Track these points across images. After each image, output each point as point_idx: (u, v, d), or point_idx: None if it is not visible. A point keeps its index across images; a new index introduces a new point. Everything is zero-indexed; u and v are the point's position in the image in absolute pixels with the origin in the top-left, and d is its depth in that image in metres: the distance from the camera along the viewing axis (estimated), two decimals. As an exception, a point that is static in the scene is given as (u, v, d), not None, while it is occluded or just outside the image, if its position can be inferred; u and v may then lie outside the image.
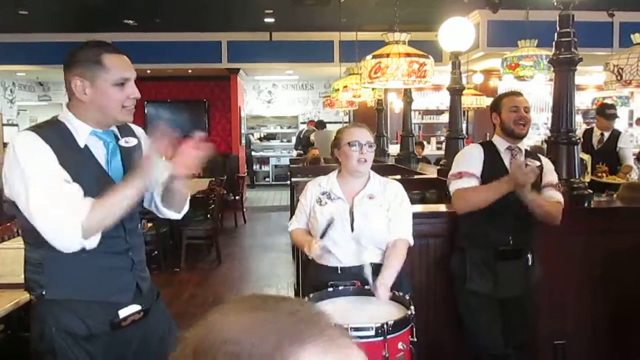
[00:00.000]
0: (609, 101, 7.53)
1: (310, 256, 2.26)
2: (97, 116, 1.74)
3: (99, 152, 1.77)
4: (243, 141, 11.77)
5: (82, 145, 1.73)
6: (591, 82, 10.25)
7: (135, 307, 1.80)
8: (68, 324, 1.69)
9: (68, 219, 1.58)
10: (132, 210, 1.81)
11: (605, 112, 5.48)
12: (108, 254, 1.76)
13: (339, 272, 2.32)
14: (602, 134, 5.44)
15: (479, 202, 2.57)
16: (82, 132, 1.74)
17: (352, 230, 2.32)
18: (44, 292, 1.71)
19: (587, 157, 5.16)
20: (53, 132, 1.70)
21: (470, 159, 2.70)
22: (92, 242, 1.65)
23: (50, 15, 8.20)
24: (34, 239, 1.68)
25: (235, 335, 0.50)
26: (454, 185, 2.66)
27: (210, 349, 0.51)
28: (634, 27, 3.97)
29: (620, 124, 10.98)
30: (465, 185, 2.62)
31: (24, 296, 2.68)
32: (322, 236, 2.25)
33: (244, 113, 12.18)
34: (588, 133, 5.58)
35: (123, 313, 1.77)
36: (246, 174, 11.65)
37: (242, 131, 11.67)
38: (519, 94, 2.78)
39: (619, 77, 3.60)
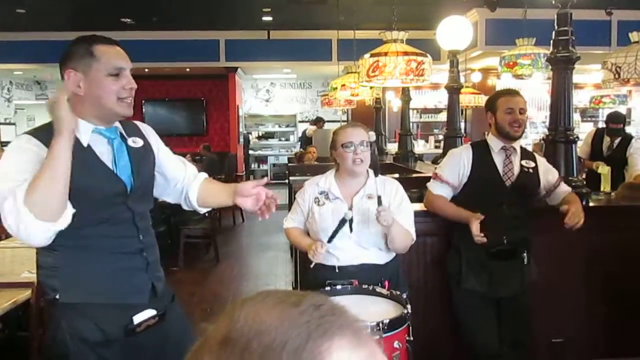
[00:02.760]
0: (606, 100, 7.46)
1: (314, 260, 2.26)
2: (96, 110, 1.67)
3: (104, 152, 1.71)
4: (241, 140, 11.75)
5: (85, 144, 1.67)
6: (589, 80, 10.25)
7: (150, 312, 1.75)
8: (82, 330, 1.65)
9: (11, 205, 1.48)
10: (143, 208, 1.81)
11: (608, 125, 5.18)
12: (122, 254, 1.72)
13: (337, 270, 2.32)
14: (612, 141, 5.14)
15: (441, 214, 2.79)
16: (85, 131, 1.67)
17: (351, 230, 2.32)
18: (57, 297, 1.66)
19: (606, 170, 4.96)
20: (52, 134, 1.61)
21: (453, 165, 2.74)
22: (61, 223, 1.53)
23: (47, 14, 8.19)
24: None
25: (266, 327, 0.52)
26: (430, 183, 2.83)
27: (241, 339, 0.52)
28: (632, 26, 3.98)
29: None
30: (436, 190, 2.77)
31: (21, 295, 2.68)
32: (332, 237, 2.27)
33: (242, 112, 12.17)
34: (598, 136, 5.28)
35: (138, 319, 1.72)
36: (244, 172, 11.63)
37: (240, 130, 11.66)
38: (515, 93, 2.74)
39: (616, 76, 3.60)
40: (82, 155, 1.64)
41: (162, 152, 1.94)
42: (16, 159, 1.59)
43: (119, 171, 1.72)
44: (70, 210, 1.55)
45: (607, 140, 5.19)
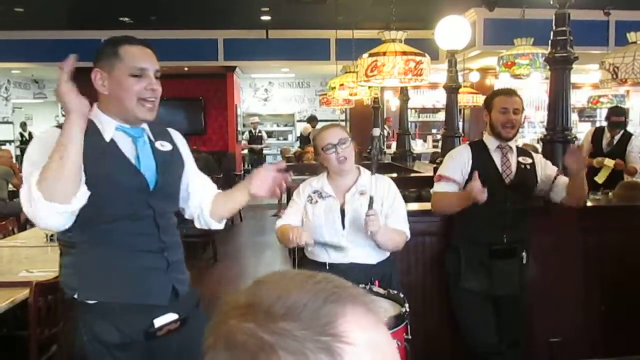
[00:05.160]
0: (604, 100, 7.47)
1: (298, 242, 2.20)
2: (119, 110, 1.69)
3: (127, 148, 1.72)
4: (239, 139, 11.74)
5: (107, 139, 1.69)
6: (587, 80, 10.28)
7: (171, 316, 1.72)
8: (101, 332, 1.64)
9: (26, 189, 1.52)
10: (166, 207, 1.80)
11: (610, 118, 5.18)
12: (141, 253, 1.71)
13: (327, 267, 2.32)
14: (612, 137, 5.16)
15: (447, 207, 2.74)
16: (108, 127, 1.70)
17: (343, 227, 2.33)
18: (75, 295, 1.66)
19: (612, 163, 4.94)
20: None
21: (455, 163, 2.73)
22: (73, 205, 1.52)
23: (45, 13, 8.17)
24: (66, 239, 1.67)
25: (288, 292, 0.56)
26: (434, 187, 2.79)
27: (264, 302, 0.56)
28: (630, 26, 3.99)
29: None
30: (443, 189, 2.72)
31: (19, 294, 2.68)
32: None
33: (240, 111, 12.17)
34: (598, 133, 5.30)
35: (159, 322, 1.69)
36: (242, 172, 11.62)
37: (239, 129, 11.65)
38: (511, 93, 2.72)
39: (614, 76, 3.60)
40: (104, 148, 1.66)
41: (189, 164, 1.94)
42: (37, 147, 1.62)
43: (141, 167, 1.72)
44: (84, 193, 1.55)
45: (607, 137, 5.20)
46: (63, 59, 1.63)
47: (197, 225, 1.98)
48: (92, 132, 1.65)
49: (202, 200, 1.93)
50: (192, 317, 1.79)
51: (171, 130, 1.92)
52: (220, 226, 1.98)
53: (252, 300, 0.57)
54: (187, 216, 1.97)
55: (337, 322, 0.54)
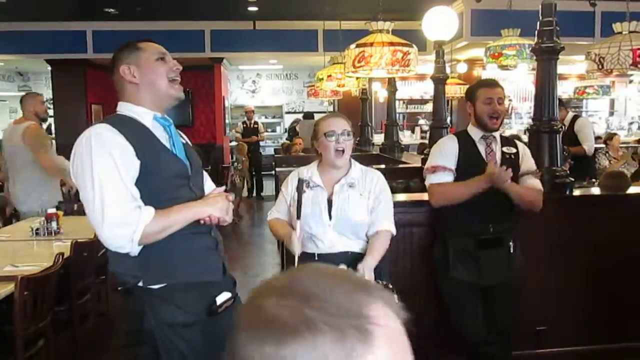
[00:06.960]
0: (590, 91, 7.56)
1: (294, 252, 2.26)
2: (152, 97, 1.84)
3: (162, 136, 1.86)
4: (227, 131, 11.68)
5: (149, 127, 1.82)
6: (573, 71, 10.33)
7: (227, 295, 1.91)
8: (167, 314, 1.75)
9: (128, 223, 1.65)
10: (202, 192, 1.97)
11: None
12: (196, 235, 1.84)
13: (316, 258, 2.33)
14: (562, 122, 5.37)
15: (455, 197, 2.65)
16: (147, 117, 1.83)
17: (330, 218, 2.33)
18: (139, 283, 1.76)
19: None
20: (125, 125, 1.76)
21: (445, 152, 2.72)
22: (136, 250, 1.72)
23: (29, 4, 8.05)
24: None
25: (321, 279, 0.60)
26: (428, 180, 2.73)
27: (301, 285, 0.59)
28: (616, 17, 4.00)
29: (602, 113, 11.12)
30: (440, 180, 2.68)
31: (5, 289, 2.65)
32: (298, 214, 2.27)
33: (227, 103, 12.09)
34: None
35: (220, 300, 1.87)
36: (230, 164, 11.56)
37: (227, 121, 11.58)
38: (494, 84, 2.73)
39: (600, 66, 3.63)
40: (151, 139, 1.80)
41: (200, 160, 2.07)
42: (121, 159, 1.69)
43: (177, 152, 1.87)
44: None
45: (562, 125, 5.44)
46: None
47: None
48: (135, 125, 1.80)
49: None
50: (236, 295, 1.99)
51: (180, 132, 2.07)
52: None
53: (288, 283, 0.60)
54: None
55: (369, 307, 0.57)
